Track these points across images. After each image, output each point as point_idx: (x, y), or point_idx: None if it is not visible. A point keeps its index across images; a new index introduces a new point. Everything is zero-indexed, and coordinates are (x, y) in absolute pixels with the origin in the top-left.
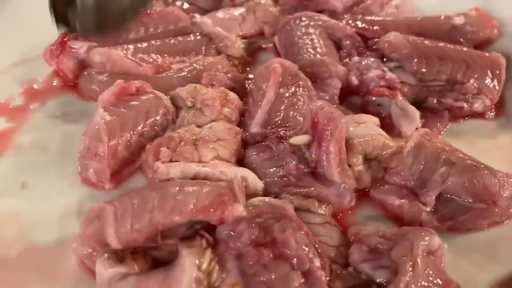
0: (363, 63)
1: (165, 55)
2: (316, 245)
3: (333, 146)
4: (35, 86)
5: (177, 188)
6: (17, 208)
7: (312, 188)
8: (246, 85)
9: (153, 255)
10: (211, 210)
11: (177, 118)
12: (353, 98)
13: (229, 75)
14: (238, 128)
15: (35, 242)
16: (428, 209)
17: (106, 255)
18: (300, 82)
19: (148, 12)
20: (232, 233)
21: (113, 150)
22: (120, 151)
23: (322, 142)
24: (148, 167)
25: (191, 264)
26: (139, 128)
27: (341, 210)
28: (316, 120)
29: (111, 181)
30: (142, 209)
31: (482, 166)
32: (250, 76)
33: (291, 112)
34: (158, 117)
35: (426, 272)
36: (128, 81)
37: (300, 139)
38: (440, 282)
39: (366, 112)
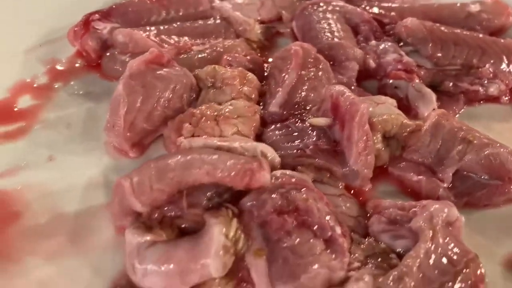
0: (381, 47)
1: (186, 37)
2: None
3: (356, 130)
4: (59, 66)
5: (206, 153)
6: (45, 180)
7: (326, 163)
8: (264, 67)
9: (179, 225)
10: (239, 176)
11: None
12: (369, 81)
13: (248, 57)
14: (258, 106)
15: (65, 212)
16: (445, 185)
17: (135, 225)
18: (320, 65)
19: None
20: (255, 203)
21: (131, 123)
22: (139, 123)
23: (345, 125)
24: (171, 142)
25: (219, 232)
26: (165, 99)
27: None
28: (337, 104)
29: (133, 151)
30: (163, 169)
31: (498, 144)
32: (269, 60)
33: (311, 94)
34: (184, 92)
35: (445, 241)
36: None
37: (320, 121)
38: (459, 251)
39: (384, 94)
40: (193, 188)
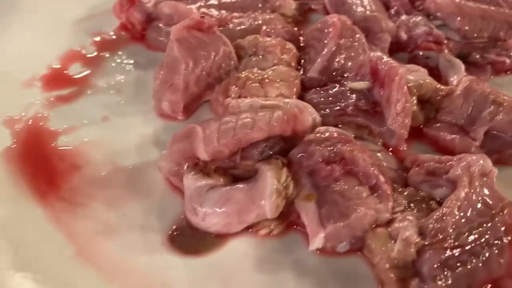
0: (411, 20)
1: (224, 11)
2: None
3: (395, 92)
4: (105, 37)
5: (253, 112)
6: (100, 136)
7: (365, 121)
8: (300, 39)
9: (232, 173)
10: (285, 123)
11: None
12: (399, 54)
13: (285, 29)
14: (298, 72)
15: (121, 164)
16: (477, 143)
17: (192, 171)
18: (356, 35)
19: None
20: (304, 154)
21: (186, 83)
22: (191, 86)
23: (384, 87)
24: (218, 104)
25: (272, 177)
26: (208, 66)
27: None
28: (376, 68)
29: (183, 113)
30: (226, 128)
31: None
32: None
33: (348, 62)
34: (223, 60)
35: (481, 187)
36: None
37: (359, 85)
38: (494, 197)
39: (415, 64)
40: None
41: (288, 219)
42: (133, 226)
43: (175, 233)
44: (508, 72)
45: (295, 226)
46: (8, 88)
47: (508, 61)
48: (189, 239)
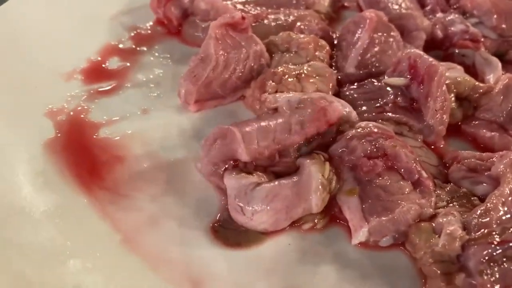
0: (448, 18)
1: (258, 7)
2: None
3: (435, 89)
4: (141, 32)
5: (290, 114)
6: (141, 128)
7: (404, 118)
8: (332, 36)
9: (272, 171)
10: (317, 120)
11: (271, 63)
12: (433, 52)
13: (318, 26)
14: (332, 69)
15: (161, 157)
16: None
17: (233, 171)
18: (391, 32)
19: None
20: (345, 149)
21: (209, 81)
22: (214, 85)
23: (423, 85)
24: (255, 99)
25: (316, 171)
26: (239, 71)
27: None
28: (415, 65)
29: (195, 105)
30: (265, 130)
31: None
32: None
33: (382, 57)
34: (255, 62)
35: None
36: None
37: (397, 81)
38: None
39: (451, 61)
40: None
41: (330, 213)
42: (174, 217)
43: (216, 224)
44: None
45: (337, 220)
46: (50, 80)
47: None
48: (231, 232)
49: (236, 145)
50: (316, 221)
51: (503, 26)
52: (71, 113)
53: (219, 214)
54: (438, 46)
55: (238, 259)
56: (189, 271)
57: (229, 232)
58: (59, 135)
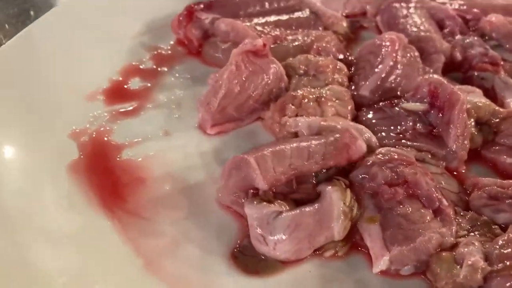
0: (467, 41)
1: (280, 28)
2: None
3: (456, 116)
4: (162, 52)
5: (309, 141)
6: (162, 151)
7: (426, 146)
8: (349, 58)
9: (292, 198)
10: (339, 155)
11: (289, 85)
12: (451, 74)
13: (336, 47)
14: (350, 92)
15: (183, 180)
16: None
17: (253, 199)
18: (412, 54)
19: None
20: (366, 176)
21: (223, 107)
22: (229, 110)
23: (444, 112)
24: (274, 122)
25: (338, 198)
26: (257, 94)
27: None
28: (436, 92)
29: (212, 129)
30: (281, 156)
31: None
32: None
33: (403, 80)
34: (274, 86)
35: None
36: None
37: (416, 106)
38: None
39: (469, 84)
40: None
41: (352, 240)
42: (194, 242)
43: (236, 250)
44: None
45: (358, 247)
46: (73, 101)
47: None
48: (250, 259)
49: (253, 173)
50: (337, 248)
51: None
52: (94, 134)
53: (239, 241)
54: (457, 69)
55: (257, 286)
56: None
57: (248, 259)
58: (82, 156)
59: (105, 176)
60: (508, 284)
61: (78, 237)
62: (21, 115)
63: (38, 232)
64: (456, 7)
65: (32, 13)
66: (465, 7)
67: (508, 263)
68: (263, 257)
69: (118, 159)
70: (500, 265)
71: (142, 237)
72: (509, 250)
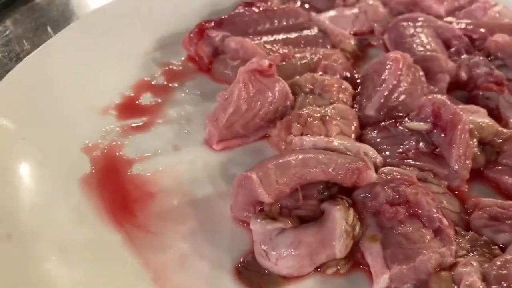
0: (472, 60)
1: (288, 46)
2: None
3: (458, 137)
4: (173, 68)
5: (319, 153)
6: (172, 166)
7: (428, 165)
8: (355, 77)
9: (297, 214)
10: (348, 175)
11: (295, 103)
12: (458, 92)
13: (342, 65)
14: (354, 111)
15: (191, 195)
16: None
17: (259, 215)
18: (416, 73)
19: (275, 9)
20: (368, 195)
21: (231, 123)
22: (236, 127)
23: (446, 132)
24: (280, 140)
25: (341, 217)
26: (262, 112)
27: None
28: (439, 112)
29: (218, 144)
30: (285, 166)
31: None
32: (361, 69)
33: (407, 99)
34: (280, 104)
35: None
36: None
37: (419, 126)
38: None
39: (474, 104)
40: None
41: (353, 258)
42: (202, 256)
43: (240, 265)
44: None
45: (360, 265)
46: (86, 116)
47: None
48: (254, 274)
49: (256, 188)
50: (339, 266)
51: None
52: (106, 149)
53: (243, 256)
54: (463, 87)
55: None
56: None
57: (252, 274)
58: (94, 171)
59: (116, 190)
60: None
61: (88, 250)
62: (36, 128)
63: (51, 244)
64: (463, 26)
65: (49, 28)
66: (471, 26)
67: (505, 284)
68: (266, 272)
69: (128, 173)
70: (496, 286)
71: (150, 251)
72: (506, 271)
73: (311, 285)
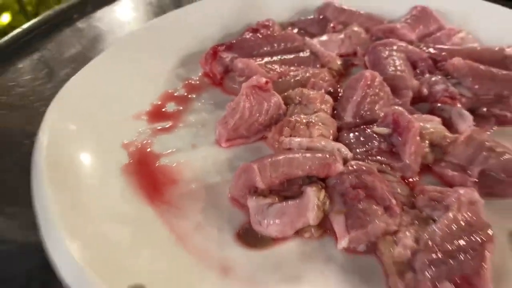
0: (432, 79)
1: (285, 66)
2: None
3: (410, 139)
4: (192, 82)
5: (299, 154)
6: (190, 160)
7: (386, 160)
8: (338, 92)
9: (283, 195)
10: (321, 169)
11: (287, 112)
12: (421, 104)
13: (328, 83)
14: (334, 119)
15: (205, 181)
16: (472, 179)
17: (254, 195)
18: (383, 88)
19: (275, 34)
20: (337, 181)
21: (237, 126)
22: (240, 129)
23: (402, 135)
24: (275, 140)
25: (314, 195)
26: (260, 118)
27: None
28: (397, 120)
29: (226, 143)
30: (276, 164)
31: None
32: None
33: (373, 108)
34: (274, 112)
35: (467, 212)
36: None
37: (382, 130)
38: (475, 219)
39: (433, 114)
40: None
41: (324, 226)
42: (212, 226)
43: (240, 231)
44: (510, 125)
45: (329, 231)
46: (123, 120)
47: (509, 115)
48: (251, 237)
49: (254, 177)
50: (313, 231)
51: (477, 87)
52: (139, 145)
53: (242, 225)
54: (424, 101)
55: (255, 256)
56: (221, 263)
57: (249, 237)
58: (131, 162)
59: (148, 177)
60: (427, 258)
61: (130, 218)
62: (90, 129)
63: (104, 213)
64: (429, 50)
65: (88, 50)
66: (436, 51)
67: (430, 244)
68: (259, 235)
69: (157, 164)
70: (423, 245)
71: (174, 221)
72: (433, 235)
73: (292, 245)
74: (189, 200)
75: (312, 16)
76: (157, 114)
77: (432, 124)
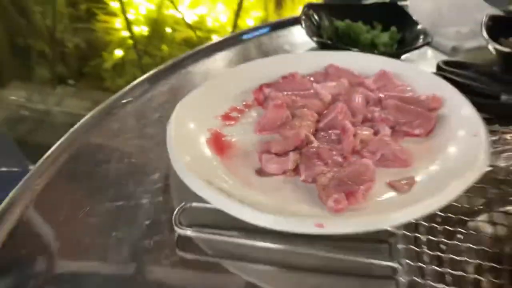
0: (375, 109)
1: (297, 97)
2: None
3: (347, 138)
4: (248, 103)
5: None
6: (240, 140)
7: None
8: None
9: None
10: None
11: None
12: (367, 123)
13: (317, 107)
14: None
15: (245, 150)
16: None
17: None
18: (347, 112)
19: (297, 80)
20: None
21: (263, 125)
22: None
23: (344, 135)
24: None
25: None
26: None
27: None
28: (343, 127)
29: (260, 132)
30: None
31: None
32: None
33: (337, 121)
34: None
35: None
36: None
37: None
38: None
39: (370, 127)
40: None
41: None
42: (249, 167)
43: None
44: (412, 136)
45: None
46: (210, 118)
47: (410, 131)
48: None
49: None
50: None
51: (395, 115)
52: (215, 131)
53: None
54: (369, 121)
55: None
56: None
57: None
58: (211, 137)
59: (218, 146)
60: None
61: (207, 162)
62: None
63: (188, 161)
64: (379, 95)
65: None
66: (382, 95)
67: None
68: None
69: (223, 139)
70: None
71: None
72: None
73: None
74: (239, 156)
75: (320, 71)
76: (226, 117)
77: (366, 132)
